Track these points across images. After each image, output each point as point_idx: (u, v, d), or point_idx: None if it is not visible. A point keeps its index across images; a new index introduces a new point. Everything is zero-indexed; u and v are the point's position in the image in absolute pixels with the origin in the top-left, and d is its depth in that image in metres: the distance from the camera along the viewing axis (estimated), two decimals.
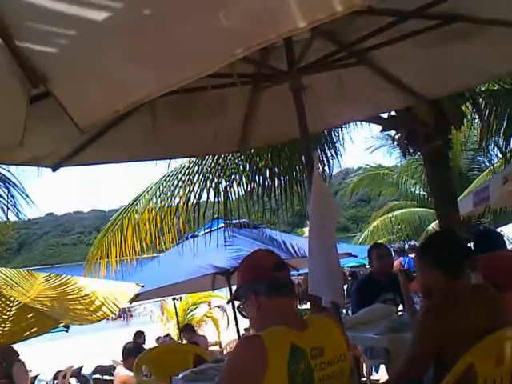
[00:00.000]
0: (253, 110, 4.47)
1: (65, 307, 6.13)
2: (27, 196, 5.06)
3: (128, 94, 1.76)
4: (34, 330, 5.49)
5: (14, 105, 1.81)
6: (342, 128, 7.20)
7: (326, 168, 7.10)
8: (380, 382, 6.59)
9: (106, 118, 1.87)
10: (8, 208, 5.03)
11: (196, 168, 6.96)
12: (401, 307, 5.14)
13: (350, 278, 16.04)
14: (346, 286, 13.42)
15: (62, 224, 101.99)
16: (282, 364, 2.02)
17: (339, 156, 7.23)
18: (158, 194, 7.34)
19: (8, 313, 5.62)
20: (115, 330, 19.47)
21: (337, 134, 7.30)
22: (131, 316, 17.45)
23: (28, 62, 1.78)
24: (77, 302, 6.21)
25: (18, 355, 9.64)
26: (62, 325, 5.73)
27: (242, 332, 9.86)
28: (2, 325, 5.47)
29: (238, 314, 9.27)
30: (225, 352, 11.28)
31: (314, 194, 3.61)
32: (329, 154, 7.20)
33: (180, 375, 3.79)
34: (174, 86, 1.64)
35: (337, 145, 7.25)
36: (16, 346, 8.50)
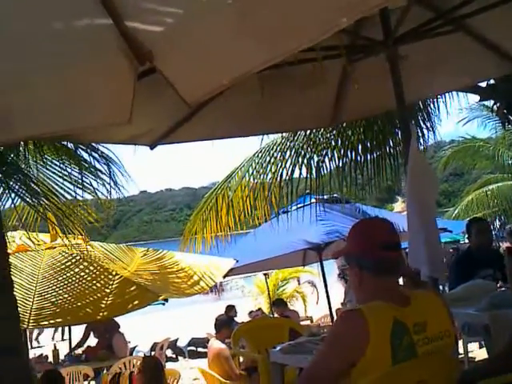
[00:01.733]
0: (345, 83, 4.40)
1: (164, 281, 6.33)
2: (127, 174, 5.24)
3: (233, 67, 1.76)
4: (135, 302, 5.70)
5: (122, 83, 1.85)
6: (437, 99, 6.95)
7: (421, 141, 6.88)
8: (476, 359, 6.42)
9: (212, 92, 1.88)
10: (110, 186, 5.23)
11: (288, 144, 6.94)
12: (500, 283, 4.95)
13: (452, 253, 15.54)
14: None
15: (154, 201, 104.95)
16: (385, 338, 2.01)
17: (435, 128, 6.99)
18: (250, 170, 7.39)
19: (110, 286, 5.86)
20: (208, 303, 19.92)
21: (432, 106, 7.06)
22: (222, 290, 17.81)
23: (135, 40, 1.82)
24: (174, 276, 6.39)
25: (119, 327, 10.11)
26: (161, 298, 5.93)
27: (336, 307, 9.86)
28: (106, 298, 5.71)
29: (329, 290, 9.29)
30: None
31: (411, 167, 3.52)
32: (423, 126, 6.98)
33: (277, 348, 3.83)
34: (279, 58, 1.63)
35: (432, 116, 7.01)
36: (116, 319, 8.92)
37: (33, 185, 5.06)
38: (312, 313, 14.74)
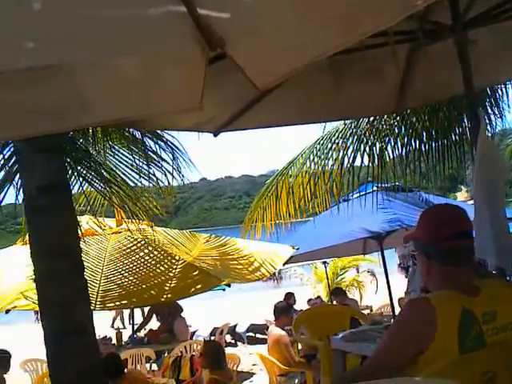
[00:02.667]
0: (410, 69, 4.32)
1: (225, 266, 6.42)
2: (191, 162, 5.32)
3: (306, 51, 1.76)
4: (198, 286, 5.81)
5: (194, 70, 1.88)
6: (505, 85, 6.73)
7: (489, 127, 6.68)
8: None
9: (284, 77, 1.89)
10: (172, 174, 5.33)
11: (350, 131, 6.88)
12: None
13: None
14: None
15: (214, 188, 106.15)
16: (453, 327, 1.98)
17: (503, 115, 6.77)
18: (311, 157, 7.37)
19: (174, 270, 5.99)
20: (266, 290, 20.04)
21: (500, 92, 6.83)
22: (281, 278, 17.85)
23: (207, 26, 1.84)
24: (236, 262, 6.47)
25: (182, 311, 10.32)
26: (224, 283, 6.02)
27: (397, 296, 9.74)
28: (169, 282, 5.84)
29: (390, 279, 9.18)
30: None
31: (480, 155, 3.43)
32: (491, 113, 6.77)
33: (339, 335, 3.84)
34: (353, 41, 1.62)
35: (500, 103, 6.79)
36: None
37: (103, 171, 5.20)
38: (371, 302, 14.61)
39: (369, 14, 1.64)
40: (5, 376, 6.32)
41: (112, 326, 16.08)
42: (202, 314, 17.27)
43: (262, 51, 1.94)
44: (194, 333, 12.74)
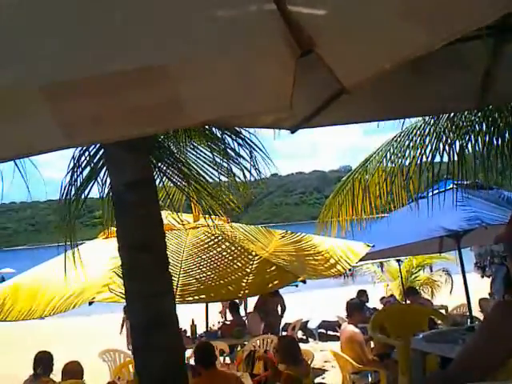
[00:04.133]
0: (495, 64, 4.19)
1: (301, 262, 6.43)
2: (268, 158, 5.36)
3: (396, 50, 1.76)
4: (275, 282, 5.85)
5: (284, 70, 1.90)
6: None
7: None
8: None
9: (372, 76, 1.89)
10: (249, 170, 5.38)
11: (428, 128, 6.73)
12: None
13: None
14: None
15: (285, 184, 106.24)
16: None
17: None
18: (388, 155, 7.27)
19: (250, 266, 6.06)
20: (338, 287, 19.93)
21: None
22: (352, 275, 17.69)
23: (297, 25, 1.86)
24: (311, 259, 6.48)
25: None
26: (300, 279, 6.04)
27: (474, 296, 9.48)
28: (246, 277, 5.91)
29: (468, 278, 8.94)
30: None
31: None
32: None
33: (420, 335, 3.79)
34: (444, 41, 1.60)
35: None
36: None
37: (184, 168, 5.32)
38: (446, 302, 14.27)
39: (462, 13, 1.62)
40: (82, 363, 6.57)
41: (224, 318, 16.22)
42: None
43: (352, 51, 1.95)
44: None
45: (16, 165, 4.60)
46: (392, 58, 1.83)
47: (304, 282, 6.25)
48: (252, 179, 5.68)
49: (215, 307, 11.01)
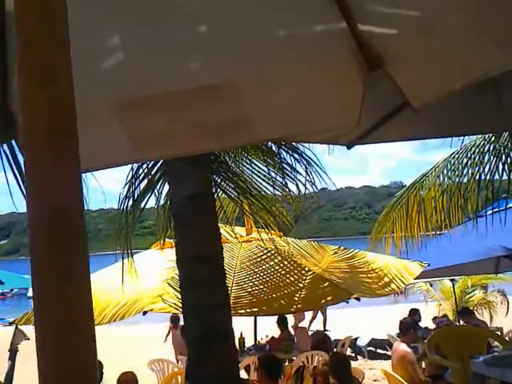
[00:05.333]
0: None
1: (355, 280, 6.36)
2: (324, 172, 5.34)
3: (468, 71, 1.73)
4: (328, 298, 5.80)
5: (352, 88, 1.89)
6: None
7: None
8: None
9: (442, 96, 1.86)
10: (305, 184, 5.37)
11: (487, 146, 6.58)
12: None
13: None
14: None
15: (335, 199, 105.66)
16: None
17: None
18: (445, 171, 7.13)
19: (303, 281, 6.03)
20: (388, 305, 19.61)
21: None
22: (402, 293, 17.39)
23: (367, 44, 1.85)
24: (365, 276, 6.40)
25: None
26: (353, 297, 5.98)
27: None
28: (299, 292, 5.88)
29: None
30: None
31: None
32: None
33: (480, 358, 3.68)
34: None
35: None
36: None
37: (239, 181, 5.35)
38: (501, 323, 13.84)
39: None
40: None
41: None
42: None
43: (422, 70, 1.92)
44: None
45: None
46: (463, 79, 1.80)
47: (358, 299, 6.17)
48: (303, 193, 5.67)
49: (264, 321, 10.98)
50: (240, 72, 1.98)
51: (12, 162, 2.85)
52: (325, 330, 17.27)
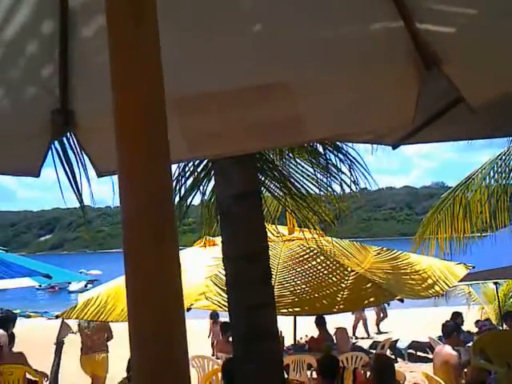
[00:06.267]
0: None
1: (398, 281, 6.30)
2: (368, 173, 5.30)
3: None
4: (371, 299, 5.76)
5: (408, 88, 1.88)
6: None
7: None
8: None
9: (497, 96, 1.84)
10: (350, 185, 5.34)
11: None
12: None
13: None
14: None
15: (375, 199, 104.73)
16: None
17: None
18: (491, 173, 7.01)
19: (346, 282, 6.00)
20: (429, 307, 19.34)
21: None
22: (442, 295, 17.09)
23: (424, 43, 1.84)
24: (408, 277, 6.33)
25: None
26: (397, 298, 5.93)
27: None
28: (341, 292, 5.85)
29: None
30: None
31: None
32: None
33: None
34: None
35: None
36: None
37: (285, 181, 5.36)
38: None
39: None
40: None
41: (353, 334, 16.25)
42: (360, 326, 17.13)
43: (479, 70, 1.90)
44: (354, 344, 12.65)
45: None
46: None
47: (402, 300, 6.11)
48: (343, 193, 5.64)
49: (303, 320, 10.97)
50: (294, 72, 1.99)
51: (63, 158, 2.92)
52: (379, 331, 17.06)
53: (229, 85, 1.99)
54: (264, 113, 2.08)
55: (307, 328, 11.28)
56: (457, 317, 11.73)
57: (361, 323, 16.88)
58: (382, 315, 17.89)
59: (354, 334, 15.79)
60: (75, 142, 2.16)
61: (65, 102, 2.02)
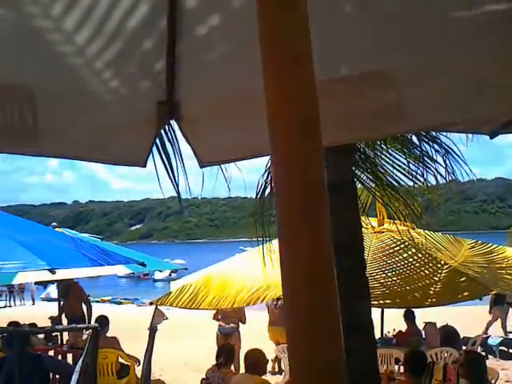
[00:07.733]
0: None
1: (494, 275, 6.12)
2: (465, 163, 5.14)
3: None
4: (465, 294, 5.63)
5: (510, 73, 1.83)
6: None
7: None
8: None
9: None
10: (446, 177, 5.20)
11: None
12: None
13: None
14: None
15: (464, 191, 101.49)
16: None
17: None
18: None
19: (438, 275, 5.88)
20: None
21: None
22: None
23: None
24: (504, 272, 6.14)
25: None
26: (493, 293, 5.77)
27: None
28: (434, 286, 5.75)
29: None
30: None
31: None
32: None
33: None
34: None
35: None
36: None
37: (378, 173, 5.29)
38: None
39: None
40: None
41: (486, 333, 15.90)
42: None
43: None
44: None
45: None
46: None
47: (480, 298, 5.95)
48: (437, 185, 5.50)
49: (390, 314, 10.80)
50: (396, 59, 1.97)
51: (161, 150, 3.01)
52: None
53: (332, 72, 1.98)
54: (365, 101, 2.07)
55: (394, 322, 11.08)
56: None
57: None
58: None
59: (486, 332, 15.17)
60: (175, 133, 2.21)
61: (170, 94, 2.09)
